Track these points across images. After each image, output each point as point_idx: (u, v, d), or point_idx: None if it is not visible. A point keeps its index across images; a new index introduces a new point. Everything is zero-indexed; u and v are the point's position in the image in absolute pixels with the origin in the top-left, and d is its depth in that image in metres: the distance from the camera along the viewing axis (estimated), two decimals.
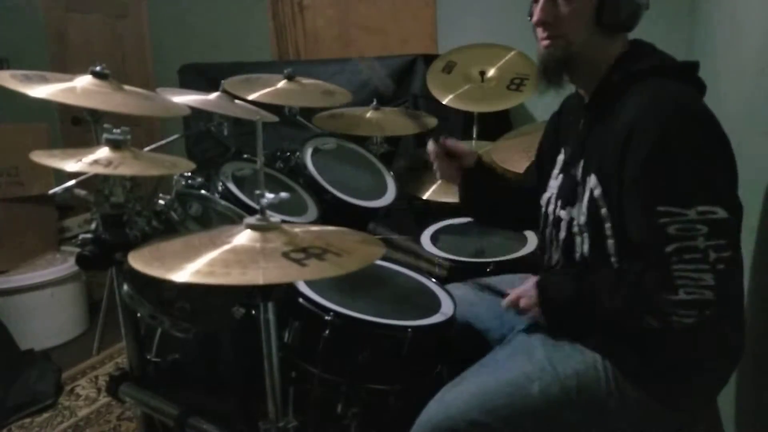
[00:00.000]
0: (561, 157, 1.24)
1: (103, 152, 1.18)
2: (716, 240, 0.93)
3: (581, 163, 1.13)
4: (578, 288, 1.08)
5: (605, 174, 1.07)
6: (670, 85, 1.04)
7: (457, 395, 1.11)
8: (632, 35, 1.14)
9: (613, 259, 1.08)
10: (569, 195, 1.15)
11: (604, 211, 1.07)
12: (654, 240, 0.97)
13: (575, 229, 1.12)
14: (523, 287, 1.17)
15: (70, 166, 1.11)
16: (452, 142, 1.38)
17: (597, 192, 1.08)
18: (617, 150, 1.03)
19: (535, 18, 1.11)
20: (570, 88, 1.22)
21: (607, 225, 1.07)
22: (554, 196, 1.22)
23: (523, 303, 1.16)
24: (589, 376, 1.07)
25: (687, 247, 0.94)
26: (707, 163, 0.98)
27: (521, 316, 1.19)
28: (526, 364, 1.11)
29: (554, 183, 1.23)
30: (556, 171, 1.25)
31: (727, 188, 1.00)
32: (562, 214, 1.16)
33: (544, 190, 1.27)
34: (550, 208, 1.22)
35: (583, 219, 1.10)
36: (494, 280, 1.42)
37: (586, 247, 1.11)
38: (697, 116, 1.01)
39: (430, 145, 1.37)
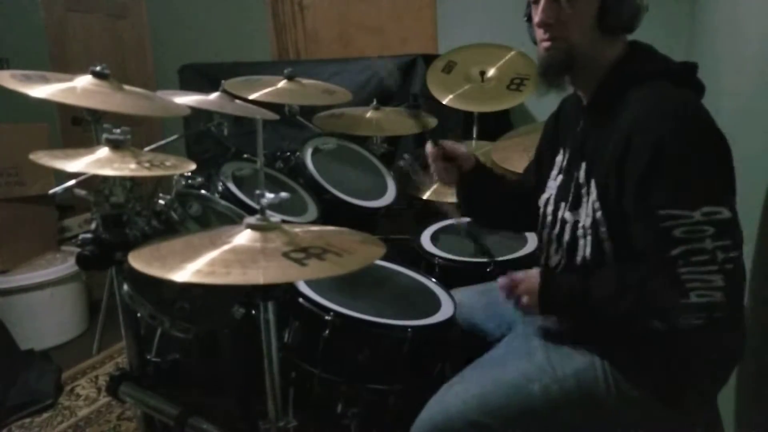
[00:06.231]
0: (560, 159, 1.24)
1: (103, 152, 1.18)
2: (723, 240, 0.93)
3: (583, 166, 1.13)
4: (583, 290, 1.05)
5: (603, 178, 1.07)
6: (668, 89, 1.03)
7: (457, 395, 1.11)
8: (632, 37, 1.13)
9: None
10: (574, 198, 1.14)
11: (599, 214, 1.07)
12: (659, 244, 0.96)
13: (579, 231, 1.11)
14: (526, 273, 1.14)
15: (71, 166, 1.10)
16: (450, 144, 1.37)
17: (594, 195, 1.08)
18: (615, 156, 1.02)
19: (536, 19, 1.10)
20: (569, 89, 1.21)
21: (603, 229, 1.07)
22: (553, 197, 1.22)
23: (522, 288, 1.12)
24: (588, 376, 1.08)
25: (695, 250, 0.93)
26: (708, 164, 0.98)
27: (511, 301, 1.14)
28: (525, 365, 1.12)
29: (553, 184, 1.23)
30: (554, 172, 1.24)
31: (729, 188, 1.00)
32: (567, 216, 1.15)
33: (542, 191, 1.26)
34: (549, 208, 1.22)
35: (588, 221, 1.10)
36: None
37: (588, 250, 1.10)
38: (695, 119, 1.00)
39: (429, 147, 1.36)
